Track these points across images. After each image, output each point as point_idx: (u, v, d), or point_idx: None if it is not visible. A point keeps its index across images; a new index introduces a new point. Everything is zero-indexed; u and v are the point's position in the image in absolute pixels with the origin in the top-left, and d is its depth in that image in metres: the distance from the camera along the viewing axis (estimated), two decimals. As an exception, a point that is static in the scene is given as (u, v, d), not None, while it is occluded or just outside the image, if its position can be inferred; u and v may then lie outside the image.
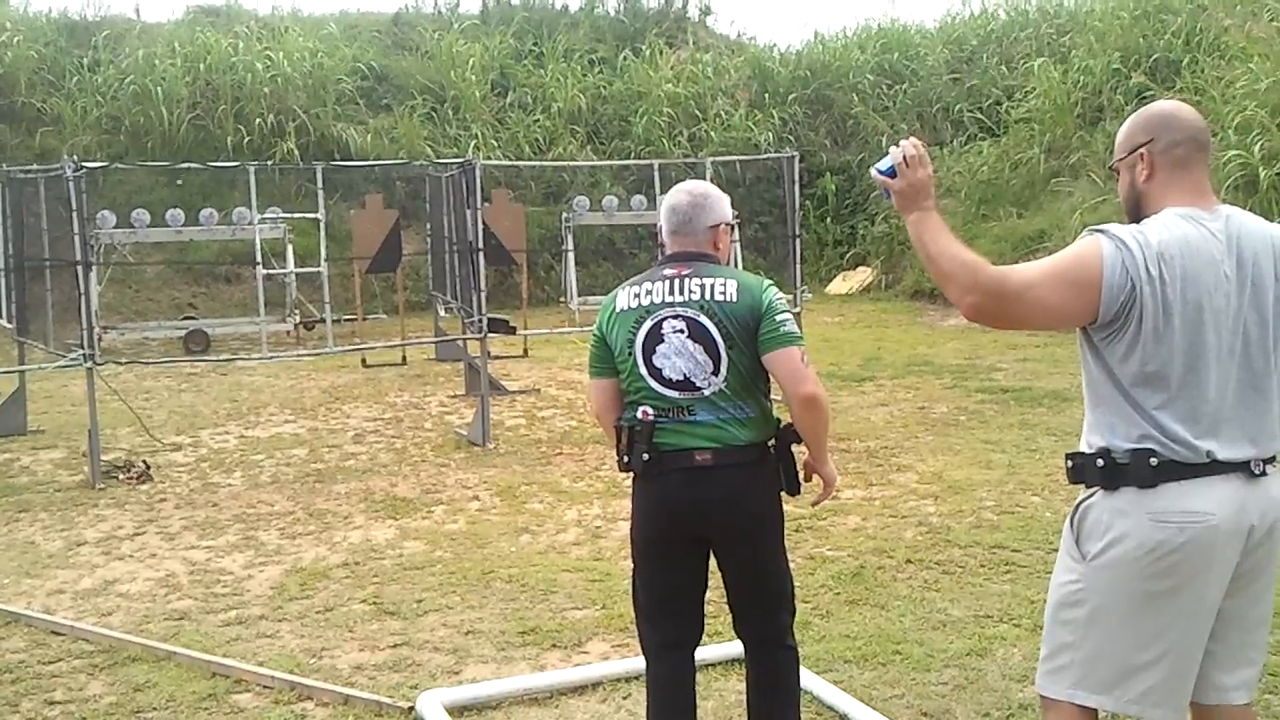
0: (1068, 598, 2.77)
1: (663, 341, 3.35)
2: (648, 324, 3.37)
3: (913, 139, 2.83)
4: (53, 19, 21.11)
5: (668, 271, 3.42)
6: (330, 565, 6.09)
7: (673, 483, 3.36)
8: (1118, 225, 2.70)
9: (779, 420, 3.45)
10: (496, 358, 12.39)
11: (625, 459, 3.43)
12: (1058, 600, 2.81)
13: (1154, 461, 2.63)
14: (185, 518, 7.12)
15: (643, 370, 3.38)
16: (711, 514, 3.37)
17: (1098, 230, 2.70)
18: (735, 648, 4.12)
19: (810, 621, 4.98)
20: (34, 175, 9.82)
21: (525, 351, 13.73)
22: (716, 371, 3.32)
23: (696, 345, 3.32)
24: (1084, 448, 2.77)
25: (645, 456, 3.36)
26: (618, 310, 3.45)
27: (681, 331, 3.33)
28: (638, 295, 3.42)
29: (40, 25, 20.52)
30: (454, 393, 11.37)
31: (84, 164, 8.30)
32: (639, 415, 3.39)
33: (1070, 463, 2.77)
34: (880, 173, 2.83)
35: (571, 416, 10.09)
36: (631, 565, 3.63)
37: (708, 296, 3.34)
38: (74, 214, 8.07)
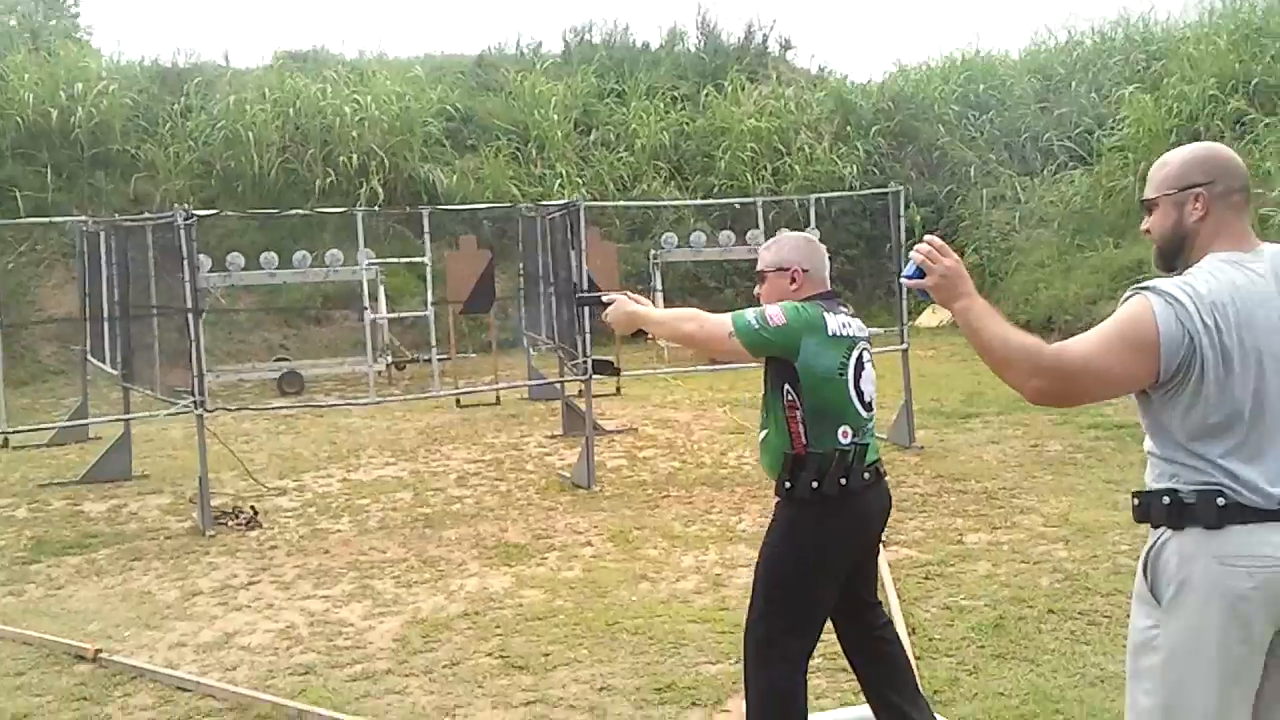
0: (1145, 644, 2.64)
1: (864, 369, 3.70)
2: (855, 352, 3.68)
3: (927, 237, 2.76)
4: (146, 67, 21.51)
5: (841, 308, 3.77)
6: (450, 616, 5.98)
7: (869, 496, 3.69)
8: (1163, 279, 2.62)
9: None
10: (593, 396, 12.28)
11: (816, 484, 3.54)
12: (1135, 645, 2.68)
13: (1221, 502, 2.53)
14: (298, 565, 7.07)
15: (851, 394, 3.64)
16: (884, 519, 3.85)
17: (1143, 288, 2.59)
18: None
19: (959, 678, 4.77)
20: (142, 223, 9.89)
21: (618, 389, 13.65)
22: None
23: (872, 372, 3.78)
24: (1150, 485, 2.66)
25: (843, 481, 3.56)
26: (830, 334, 3.63)
27: (870, 361, 3.76)
28: (845, 325, 3.69)
29: (134, 73, 20.89)
30: (550, 433, 11.28)
31: (194, 212, 8.31)
32: (839, 436, 3.59)
33: (1136, 500, 2.68)
34: (909, 278, 2.78)
35: (674, 457, 9.95)
36: (779, 591, 3.65)
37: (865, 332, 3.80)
38: (184, 261, 8.09)
